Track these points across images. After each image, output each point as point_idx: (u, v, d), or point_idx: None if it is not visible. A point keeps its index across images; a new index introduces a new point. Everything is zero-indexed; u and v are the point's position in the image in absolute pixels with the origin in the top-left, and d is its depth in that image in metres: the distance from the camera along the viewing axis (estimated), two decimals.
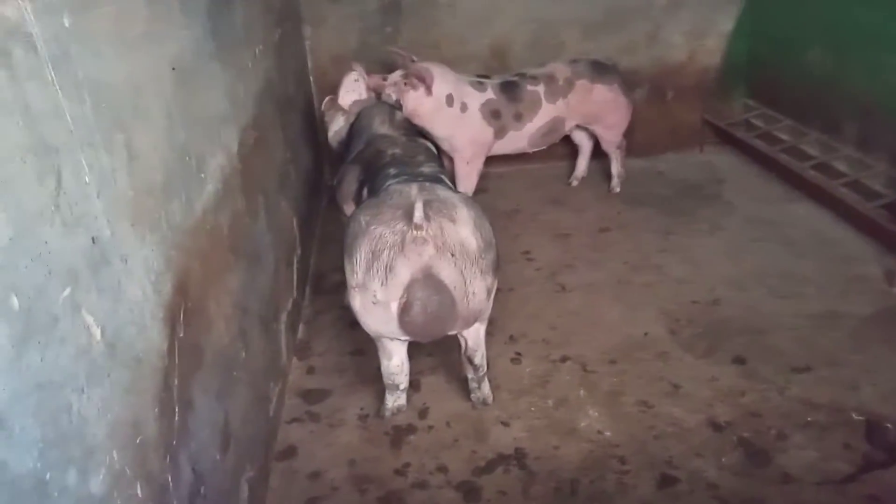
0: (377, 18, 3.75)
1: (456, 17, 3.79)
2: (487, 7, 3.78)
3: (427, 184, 1.98)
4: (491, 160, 3.50)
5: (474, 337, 2.12)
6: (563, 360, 2.52)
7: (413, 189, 1.94)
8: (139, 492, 1.15)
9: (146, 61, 1.38)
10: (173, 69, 1.54)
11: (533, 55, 3.73)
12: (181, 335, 1.39)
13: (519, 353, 2.55)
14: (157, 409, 1.25)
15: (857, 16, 3.26)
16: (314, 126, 3.72)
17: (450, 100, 3.11)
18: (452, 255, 1.81)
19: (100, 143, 1.15)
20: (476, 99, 3.23)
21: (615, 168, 3.80)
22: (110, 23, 1.25)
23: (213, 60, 1.87)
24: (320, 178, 3.71)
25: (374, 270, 1.83)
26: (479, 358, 2.18)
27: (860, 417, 2.17)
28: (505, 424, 2.24)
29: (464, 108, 3.20)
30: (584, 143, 3.88)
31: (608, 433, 2.18)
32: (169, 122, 1.47)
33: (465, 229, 1.86)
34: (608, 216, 3.57)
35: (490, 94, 3.25)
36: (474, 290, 1.86)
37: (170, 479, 1.27)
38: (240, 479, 1.73)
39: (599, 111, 3.51)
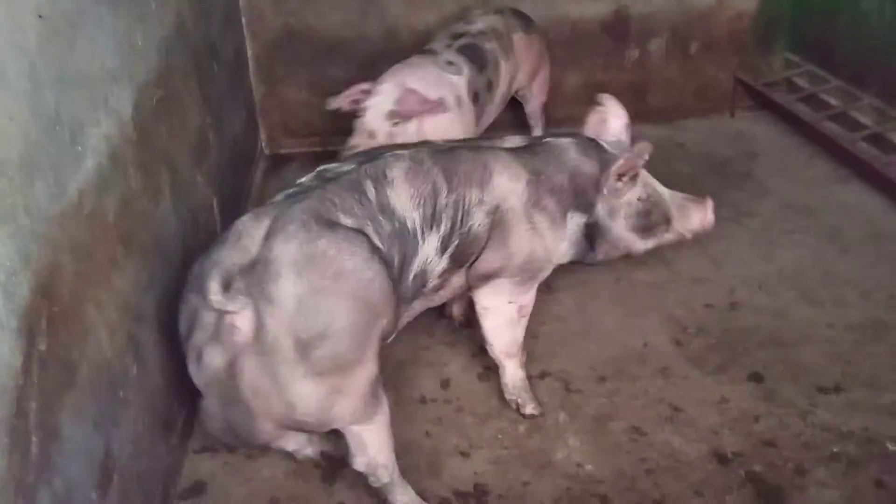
0: None
1: None
2: None
3: (284, 218, 1.83)
4: None
5: (351, 440, 1.99)
6: (542, 376, 2.57)
7: (255, 232, 1.83)
8: None
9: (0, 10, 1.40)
10: (40, 17, 1.56)
11: None
12: (42, 348, 1.42)
13: (488, 368, 2.60)
14: (6, 440, 1.29)
15: None
16: (245, 81, 3.73)
17: (458, 101, 2.96)
18: (262, 353, 1.75)
19: None
20: (462, 87, 3.03)
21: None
22: None
23: (99, 3, 1.89)
24: (253, 148, 3.74)
25: (191, 347, 1.87)
26: (360, 464, 2.02)
27: None
28: (465, 455, 2.29)
29: (460, 102, 2.99)
30: None
31: (590, 467, 2.24)
32: (32, 83, 1.49)
33: (282, 313, 1.74)
34: None
35: (466, 70, 3.08)
36: (296, 398, 1.79)
37: None
38: None
39: (538, 67, 3.62)
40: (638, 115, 4.06)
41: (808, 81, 4.03)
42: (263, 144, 3.96)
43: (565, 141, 2.36)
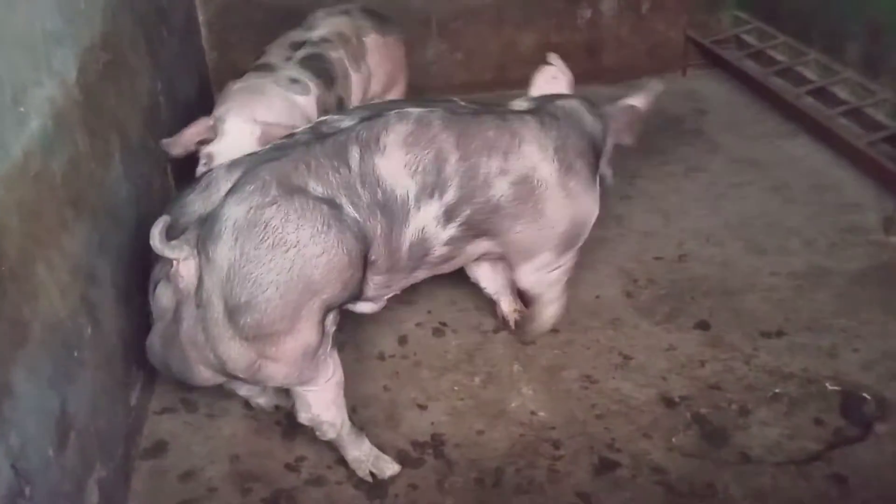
0: None
1: None
2: None
3: (248, 177, 1.81)
4: None
5: (296, 395, 2.03)
6: (497, 330, 2.63)
7: (224, 183, 1.87)
8: None
9: None
10: None
11: None
12: None
13: (444, 324, 2.65)
14: None
15: None
16: (198, 46, 3.69)
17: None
18: (199, 306, 1.80)
19: None
20: (311, 109, 2.63)
21: None
22: None
23: None
24: (208, 113, 3.68)
25: (152, 278, 1.93)
26: (304, 418, 2.05)
27: (836, 388, 2.34)
28: (422, 407, 2.34)
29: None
30: None
31: (542, 414, 2.30)
32: None
33: (216, 275, 1.76)
34: None
35: (313, 88, 2.68)
36: (225, 356, 1.82)
37: None
38: (86, 480, 1.80)
39: (396, 75, 3.16)
40: (591, 75, 4.15)
41: (756, 38, 4.10)
42: None
43: (576, 103, 2.33)
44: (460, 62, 4.07)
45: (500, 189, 2.08)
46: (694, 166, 3.51)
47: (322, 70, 2.73)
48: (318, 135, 1.95)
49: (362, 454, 2.12)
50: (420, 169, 1.97)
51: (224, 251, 1.75)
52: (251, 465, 2.17)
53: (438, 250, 2.09)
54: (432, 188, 1.99)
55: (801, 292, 2.72)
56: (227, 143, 2.38)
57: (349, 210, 1.86)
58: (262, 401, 2.30)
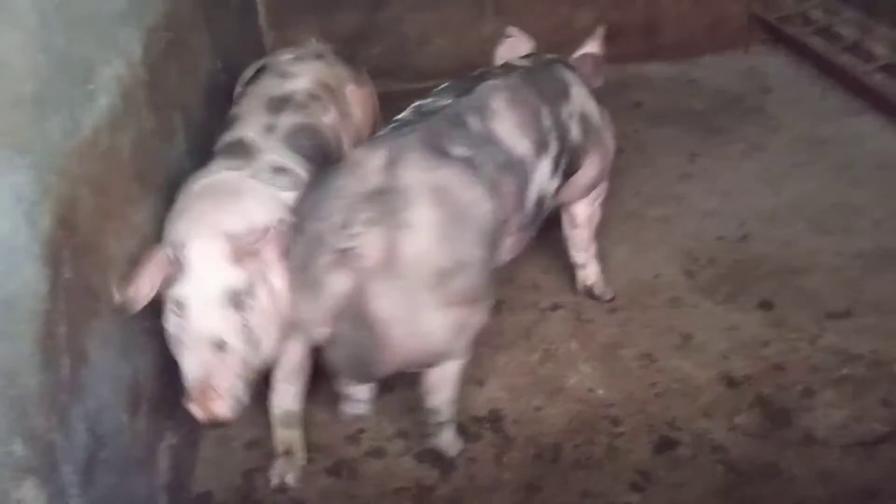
0: None
1: None
2: None
3: (403, 148, 1.77)
4: None
5: (438, 376, 1.97)
6: (555, 308, 2.62)
7: (373, 160, 1.77)
8: (17, 449, 1.25)
9: None
10: None
11: None
12: (67, 276, 1.47)
13: (500, 301, 2.64)
14: (38, 359, 1.35)
15: None
16: (255, 26, 3.74)
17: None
18: (395, 279, 1.69)
19: None
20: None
21: None
22: None
23: None
24: None
25: (302, 282, 1.79)
26: (436, 401, 2.02)
27: None
28: (479, 383, 2.35)
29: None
30: None
31: (601, 391, 2.29)
32: (41, 20, 1.51)
33: (422, 240, 1.70)
34: (623, 135, 3.54)
35: (305, 174, 2.06)
36: (427, 328, 1.75)
37: (58, 438, 1.37)
38: (156, 445, 1.86)
39: (372, 125, 2.61)
40: (649, 54, 4.10)
41: (823, 13, 3.98)
42: None
43: (553, 55, 2.42)
44: None
45: (574, 130, 2.19)
46: (756, 145, 3.43)
47: (315, 149, 2.15)
48: (422, 113, 1.95)
49: (453, 434, 2.12)
50: (529, 129, 2.04)
51: (428, 215, 1.72)
52: (313, 436, 2.20)
53: (549, 203, 2.17)
54: (540, 145, 2.06)
55: (869, 273, 2.64)
56: (197, 280, 1.74)
57: (489, 169, 1.90)
58: (362, 408, 2.26)
